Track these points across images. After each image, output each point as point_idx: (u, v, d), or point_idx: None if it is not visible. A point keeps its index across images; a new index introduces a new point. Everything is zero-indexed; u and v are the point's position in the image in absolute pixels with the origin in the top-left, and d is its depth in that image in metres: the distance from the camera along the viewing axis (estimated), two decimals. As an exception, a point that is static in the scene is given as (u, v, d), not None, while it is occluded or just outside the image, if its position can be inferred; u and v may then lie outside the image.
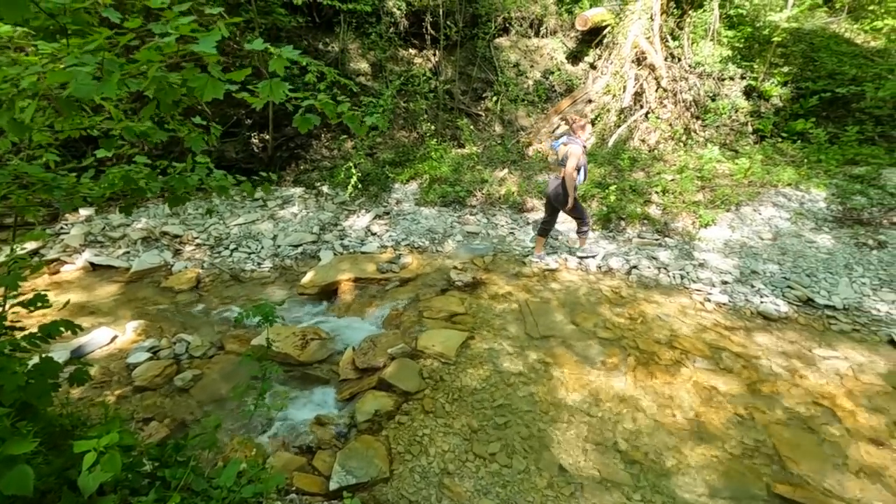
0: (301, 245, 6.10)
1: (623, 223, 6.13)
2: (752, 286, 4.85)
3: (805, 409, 3.36)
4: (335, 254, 5.87)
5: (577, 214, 5.37)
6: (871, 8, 10.60)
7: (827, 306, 4.55)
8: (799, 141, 7.58)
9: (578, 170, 4.97)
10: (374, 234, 6.31)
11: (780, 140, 7.73)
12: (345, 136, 7.84)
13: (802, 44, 8.89)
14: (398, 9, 8.31)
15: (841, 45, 9.15)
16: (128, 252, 5.71)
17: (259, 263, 5.70)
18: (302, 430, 3.04)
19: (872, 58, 8.81)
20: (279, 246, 6.06)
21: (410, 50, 8.80)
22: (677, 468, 2.88)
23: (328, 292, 5.05)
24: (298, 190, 7.36)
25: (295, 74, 7.00)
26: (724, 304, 4.64)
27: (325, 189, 7.29)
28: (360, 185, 6.80)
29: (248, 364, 2.36)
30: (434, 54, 8.75)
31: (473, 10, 8.66)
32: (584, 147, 5.07)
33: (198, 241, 6.04)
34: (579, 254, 5.53)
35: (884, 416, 3.30)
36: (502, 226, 6.34)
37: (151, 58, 1.05)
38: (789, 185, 6.38)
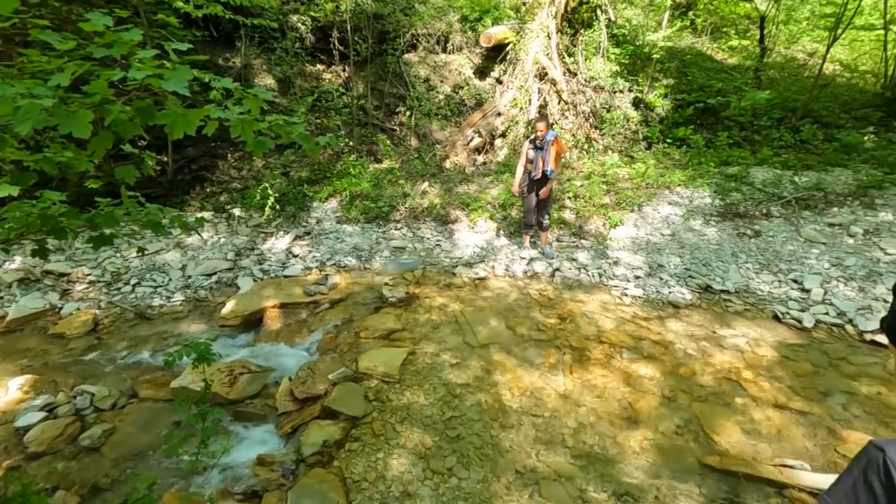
0: (215, 273, 5.66)
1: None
2: (661, 278, 5.34)
3: (718, 385, 3.74)
4: (255, 280, 5.52)
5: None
6: (724, 30, 12.30)
7: (722, 291, 5.13)
8: (683, 146, 8.52)
9: (531, 162, 5.47)
10: (296, 256, 6.03)
11: (666, 146, 8.64)
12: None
13: (676, 60, 10.05)
14: (303, 24, 8.11)
15: (706, 62, 10.49)
16: (0, 298, 4.92)
17: (168, 297, 5.20)
18: (244, 473, 2.80)
19: (731, 73, 10.19)
20: (190, 276, 5.58)
21: (318, 66, 8.61)
22: (620, 455, 3.06)
23: (253, 322, 4.73)
24: (206, 214, 6.83)
25: (195, 91, 6.53)
26: (639, 296, 5.05)
27: (236, 212, 6.84)
28: (276, 206, 6.48)
29: (176, 409, 2.12)
30: (344, 70, 8.65)
31: (381, 26, 8.70)
32: (533, 142, 5.47)
33: (90, 278, 5.37)
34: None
35: (779, 382, 3.77)
36: (428, 238, 6.38)
37: (101, 91, 0.93)
38: (680, 185, 7.14)
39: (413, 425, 3.22)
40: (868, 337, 4.33)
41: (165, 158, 6.92)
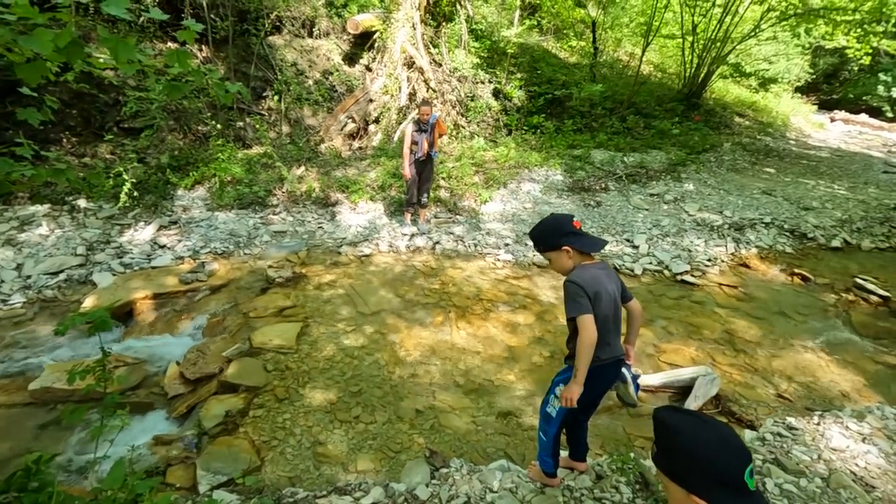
0: (63, 271, 5.03)
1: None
2: (526, 244, 6.07)
3: (575, 324, 4.48)
4: (115, 275, 5.03)
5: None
6: (565, 31, 13.91)
7: (575, 251, 6.02)
8: (538, 132, 9.58)
9: (416, 143, 5.78)
10: (163, 247, 5.59)
11: (524, 132, 9.63)
12: (109, 139, 6.58)
13: (527, 56, 11.17)
14: (148, -5, 7.36)
15: (552, 59, 11.82)
16: None
17: (4, 300, 4.51)
18: (142, 454, 2.69)
19: (572, 69, 11.65)
20: (30, 276, 4.88)
21: (170, 44, 7.89)
22: (503, 386, 3.57)
23: (121, 315, 4.35)
24: (43, 207, 5.94)
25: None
26: (509, 260, 5.70)
27: (82, 203, 6.06)
28: (134, 194, 5.91)
29: (70, 381, 2.03)
30: (201, 50, 8.05)
31: (240, 4, 8.26)
32: (417, 123, 5.79)
33: None
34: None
35: (619, 316, 4.64)
36: (310, 222, 6.37)
37: (26, 13, 0.96)
38: (537, 165, 8.08)
39: (316, 387, 3.36)
40: (679, 278, 5.49)
41: (-21, 143, 5.83)
